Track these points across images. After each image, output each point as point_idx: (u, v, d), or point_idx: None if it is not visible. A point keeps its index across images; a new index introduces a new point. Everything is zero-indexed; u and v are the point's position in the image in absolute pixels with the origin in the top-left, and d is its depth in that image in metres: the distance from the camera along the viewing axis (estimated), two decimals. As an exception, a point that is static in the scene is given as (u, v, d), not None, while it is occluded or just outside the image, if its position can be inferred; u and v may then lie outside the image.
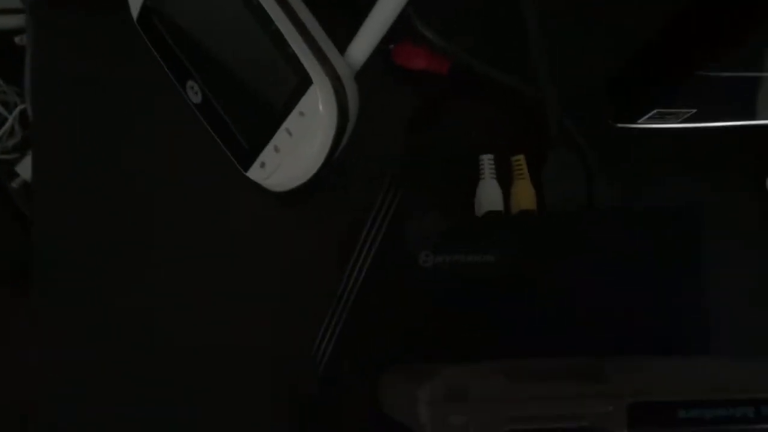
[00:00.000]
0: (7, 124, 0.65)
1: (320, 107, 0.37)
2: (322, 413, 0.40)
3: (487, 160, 0.44)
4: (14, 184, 0.65)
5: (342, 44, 0.39)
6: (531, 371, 0.25)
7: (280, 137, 0.40)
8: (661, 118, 0.37)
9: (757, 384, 0.25)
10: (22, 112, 0.65)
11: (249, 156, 0.42)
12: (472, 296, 0.39)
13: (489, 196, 0.43)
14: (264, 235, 0.44)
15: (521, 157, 0.44)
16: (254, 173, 0.42)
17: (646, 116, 0.37)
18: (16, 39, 0.63)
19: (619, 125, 0.39)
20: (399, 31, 0.41)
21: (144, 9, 0.42)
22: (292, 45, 0.37)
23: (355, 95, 0.38)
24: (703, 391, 0.25)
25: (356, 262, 0.39)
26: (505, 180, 0.44)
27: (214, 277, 0.43)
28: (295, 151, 0.40)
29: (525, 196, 0.42)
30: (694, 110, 0.37)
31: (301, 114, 0.38)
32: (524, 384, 0.25)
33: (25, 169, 0.66)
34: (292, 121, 0.38)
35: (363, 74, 0.40)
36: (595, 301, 0.38)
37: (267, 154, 0.41)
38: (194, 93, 0.43)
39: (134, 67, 0.44)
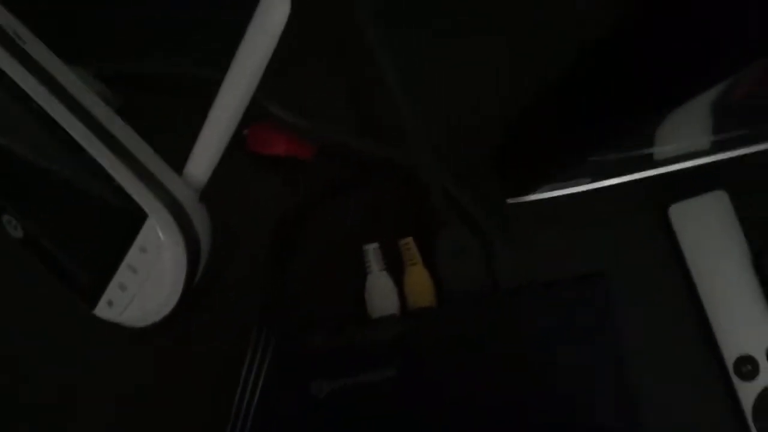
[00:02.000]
0: None
1: (162, 239, 0.31)
2: None
3: (372, 251, 0.38)
4: None
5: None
6: None
7: (123, 274, 0.33)
8: (555, 188, 0.33)
9: None
10: None
11: (93, 294, 0.35)
12: (380, 418, 0.34)
13: (380, 291, 0.38)
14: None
15: (410, 240, 0.39)
16: (102, 312, 0.36)
17: (539, 190, 0.33)
18: None
19: (509, 201, 0.35)
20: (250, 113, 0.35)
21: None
22: (115, 176, 0.30)
23: (203, 217, 0.32)
24: None
25: (239, 410, 0.34)
26: (397, 266, 0.39)
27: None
28: (144, 288, 0.33)
29: (420, 287, 0.38)
30: (588, 179, 0.33)
31: (143, 250, 0.32)
32: None
33: None
34: (133, 257, 0.32)
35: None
36: (511, 397, 0.34)
37: (112, 293, 0.34)
38: (13, 228, 0.36)
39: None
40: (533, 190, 0.32)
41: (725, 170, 0.45)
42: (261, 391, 0.33)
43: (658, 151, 0.36)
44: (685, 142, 0.35)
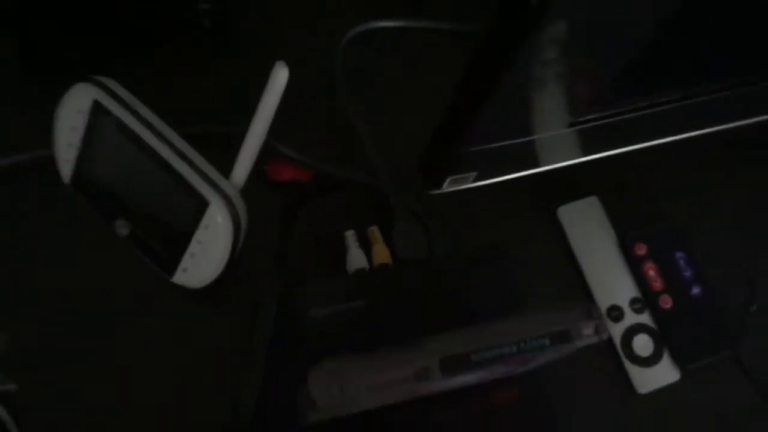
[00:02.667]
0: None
1: (219, 220, 0.52)
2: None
3: (350, 235, 0.59)
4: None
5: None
6: (375, 356, 0.40)
7: (194, 246, 0.54)
8: (456, 182, 0.54)
9: (517, 332, 0.40)
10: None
11: (173, 265, 0.56)
12: (354, 332, 0.53)
13: (355, 259, 0.58)
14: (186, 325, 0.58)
15: (375, 227, 0.60)
16: (179, 278, 0.56)
17: (446, 183, 0.54)
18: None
19: (431, 192, 0.55)
20: (269, 153, 0.57)
21: (75, 172, 0.57)
22: (190, 180, 0.52)
23: (243, 208, 0.53)
24: (484, 343, 0.40)
25: (262, 326, 0.54)
26: (366, 247, 0.59)
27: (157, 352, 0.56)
28: (206, 255, 0.54)
29: (382, 254, 0.58)
30: (475, 173, 0.53)
31: (206, 227, 0.53)
32: (375, 362, 0.39)
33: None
34: (200, 233, 0.53)
35: (249, 193, 0.55)
36: (439, 319, 0.53)
37: (186, 261, 0.55)
38: (123, 228, 0.57)
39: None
40: (443, 180, 0.53)
41: (596, 179, 0.65)
42: (275, 319, 0.53)
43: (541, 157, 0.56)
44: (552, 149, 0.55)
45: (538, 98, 0.48)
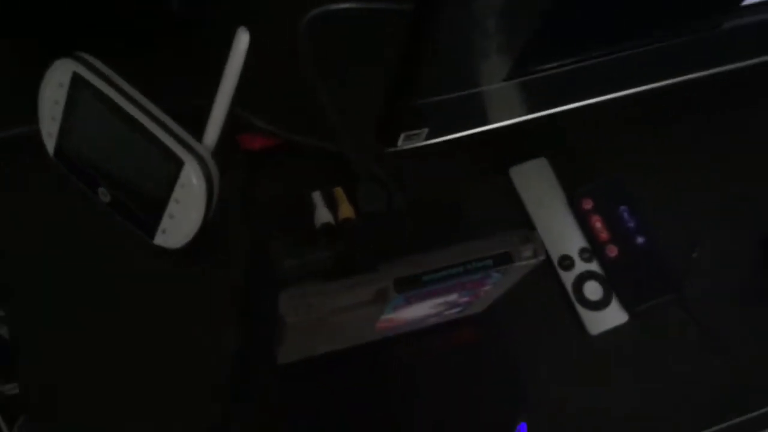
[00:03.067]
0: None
1: (193, 179, 0.57)
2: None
3: (317, 196, 0.64)
4: None
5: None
6: (342, 281, 0.44)
7: (171, 207, 0.58)
8: (410, 139, 0.59)
9: (463, 255, 0.45)
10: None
11: (152, 227, 0.60)
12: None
13: (322, 216, 0.63)
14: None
15: (339, 188, 0.64)
16: (159, 239, 0.60)
17: (401, 140, 0.59)
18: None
19: (387, 150, 0.60)
20: (243, 127, 0.62)
21: (58, 146, 0.61)
22: (165, 141, 0.56)
23: (215, 168, 0.58)
24: (433, 264, 0.45)
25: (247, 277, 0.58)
26: (333, 207, 0.64)
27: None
28: (183, 213, 0.58)
29: (346, 210, 0.63)
30: (427, 129, 0.58)
31: (182, 186, 0.57)
32: (337, 285, 0.44)
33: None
34: (177, 192, 0.57)
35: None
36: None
37: (165, 222, 0.59)
38: (104, 195, 0.61)
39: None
40: (397, 136, 0.58)
41: (543, 140, 0.71)
42: (253, 271, 0.58)
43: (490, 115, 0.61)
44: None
45: (474, 51, 0.52)
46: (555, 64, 0.56)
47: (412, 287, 0.44)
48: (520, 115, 0.63)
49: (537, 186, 0.71)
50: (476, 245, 0.47)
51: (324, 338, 0.52)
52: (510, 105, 0.61)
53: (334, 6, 0.74)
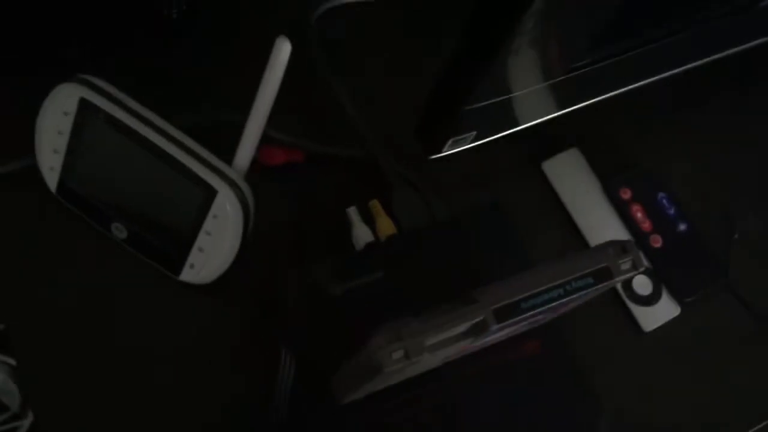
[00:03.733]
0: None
1: (228, 208, 0.51)
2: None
3: (352, 212, 0.59)
4: None
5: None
6: (430, 316, 0.40)
7: (201, 239, 0.52)
8: (457, 143, 0.54)
9: (564, 274, 0.41)
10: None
11: (178, 263, 0.54)
12: (374, 302, 0.53)
13: (362, 234, 0.58)
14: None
15: (375, 201, 0.59)
16: (186, 275, 0.54)
17: (447, 146, 0.54)
18: None
19: (431, 157, 0.55)
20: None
21: (61, 180, 0.54)
22: (194, 169, 0.50)
23: (250, 193, 0.52)
24: (532, 289, 0.40)
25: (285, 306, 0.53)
26: (370, 222, 0.59)
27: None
28: (215, 246, 0.52)
29: (386, 225, 0.58)
30: (475, 132, 0.54)
31: (215, 216, 0.51)
32: (430, 320, 0.39)
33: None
34: (208, 223, 0.51)
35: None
36: (447, 278, 0.53)
37: (194, 256, 0.53)
38: (119, 231, 0.55)
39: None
40: (444, 142, 0.53)
41: (572, 132, 0.67)
42: (297, 297, 0.52)
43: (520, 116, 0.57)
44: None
45: (534, 51, 0.48)
46: (614, 53, 0.53)
47: (511, 316, 0.40)
48: (562, 109, 0.59)
49: (572, 178, 0.67)
50: (571, 262, 0.42)
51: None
52: (557, 99, 0.57)
53: (337, 1, 0.68)
